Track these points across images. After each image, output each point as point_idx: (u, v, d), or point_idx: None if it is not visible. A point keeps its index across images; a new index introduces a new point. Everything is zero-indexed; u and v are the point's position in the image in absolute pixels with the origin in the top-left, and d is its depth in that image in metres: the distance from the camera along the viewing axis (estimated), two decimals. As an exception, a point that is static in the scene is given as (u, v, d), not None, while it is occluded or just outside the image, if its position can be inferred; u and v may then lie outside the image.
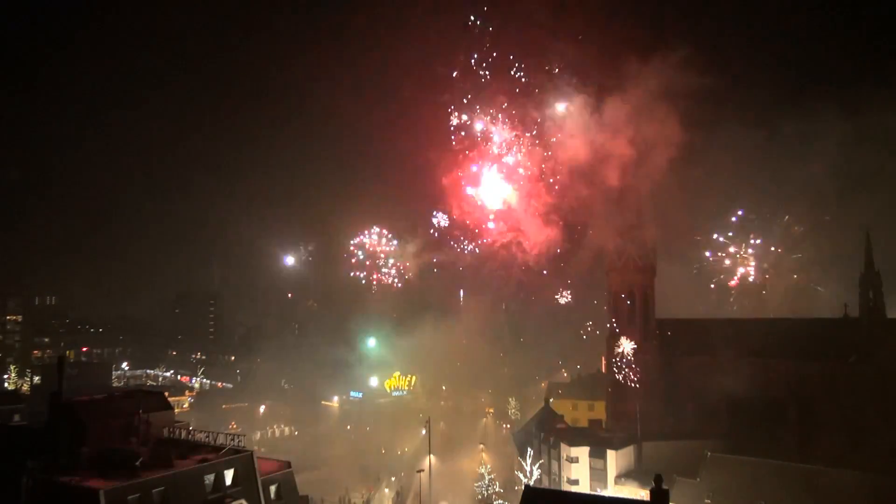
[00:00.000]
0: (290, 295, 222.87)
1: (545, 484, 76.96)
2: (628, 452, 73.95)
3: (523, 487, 58.56)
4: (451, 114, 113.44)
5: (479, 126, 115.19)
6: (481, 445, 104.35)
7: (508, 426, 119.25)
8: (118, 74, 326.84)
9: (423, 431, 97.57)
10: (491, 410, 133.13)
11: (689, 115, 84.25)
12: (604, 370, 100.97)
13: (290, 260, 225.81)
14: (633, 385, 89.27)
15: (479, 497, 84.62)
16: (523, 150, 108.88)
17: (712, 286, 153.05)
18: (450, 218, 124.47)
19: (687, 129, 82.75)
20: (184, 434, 49.48)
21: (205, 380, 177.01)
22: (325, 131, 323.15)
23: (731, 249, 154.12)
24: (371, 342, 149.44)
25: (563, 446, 76.43)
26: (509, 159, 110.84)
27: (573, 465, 74.47)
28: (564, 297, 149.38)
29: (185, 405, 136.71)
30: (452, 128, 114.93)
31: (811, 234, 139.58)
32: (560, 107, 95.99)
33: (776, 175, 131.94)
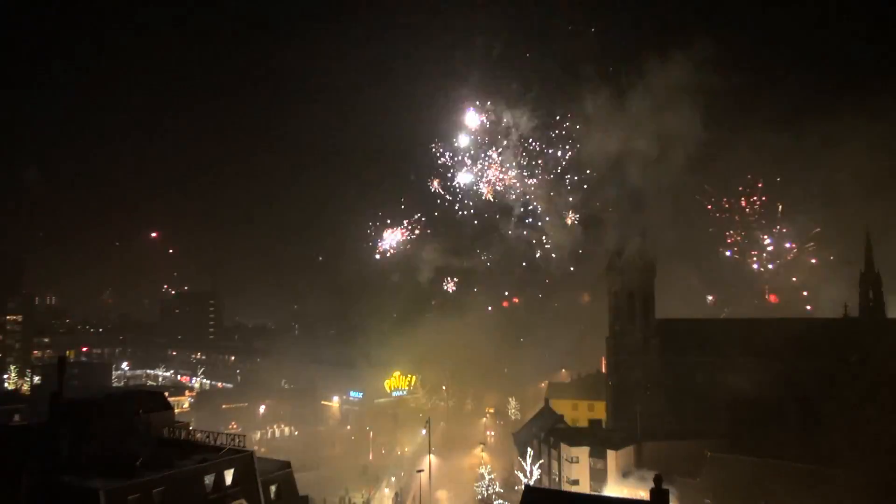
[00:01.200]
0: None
1: (545, 484, 76.93)
2: (628, 452, 73.91)
3: (523, 487, 58.59)
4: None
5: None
6: (481, 445, 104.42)
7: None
8: (117, 74, 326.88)
9: (423, 431, 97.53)
10: (491, 410, 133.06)
11: (706, 114, 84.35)
12: (604, 370, 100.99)
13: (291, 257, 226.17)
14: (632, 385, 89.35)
15: (479, 497, 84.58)
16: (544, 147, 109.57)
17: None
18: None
19: (699, 126, 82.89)
20: (184, 434, 49.48)
21: (205, 380, 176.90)
22: (329, 126, 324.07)
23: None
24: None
25: (563, 446, 76.38)
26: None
27: (573, 465, 74.40)
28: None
29: (185, 405, 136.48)
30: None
31: (817, 235, 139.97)
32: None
33: (786, 175, 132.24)
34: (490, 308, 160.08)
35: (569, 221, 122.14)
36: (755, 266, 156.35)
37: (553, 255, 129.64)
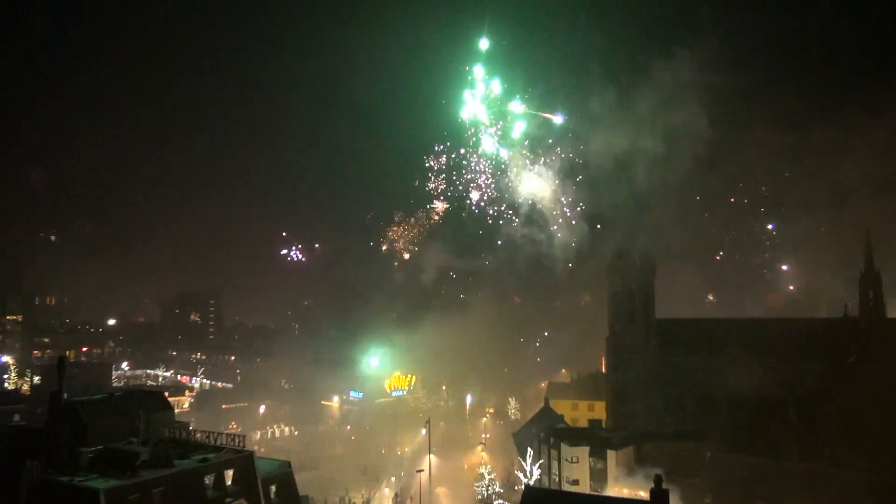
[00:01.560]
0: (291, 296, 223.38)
1: (545, 484, 76.87)
2: (628, 452, 73.85)
3: (523, 487, 58.64)
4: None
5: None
6: (481, 445, 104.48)
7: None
8: (116, 75, 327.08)
9: (423, 431, 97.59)
10: (491, 410, 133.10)
11: (710, 113, 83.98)
12: (604, 370, 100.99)
13: (290, 258, 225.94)
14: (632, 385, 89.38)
15: (479, 497, 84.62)
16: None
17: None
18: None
19: (704, 125, 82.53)
20: (184, 434, 49.46)
21: (205, 380, 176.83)
22: (331, 125, 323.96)
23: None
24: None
25: (563, 446, 76.36)
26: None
27: (573, 465, 74.37)
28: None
29: (185, 405, 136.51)
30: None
31: (818, 234, 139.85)
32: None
33: (789, 175, 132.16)
34: (491, 308, 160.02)
35: (573, 221, 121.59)
36: (755, 264, 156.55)
37: (558, 254, 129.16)
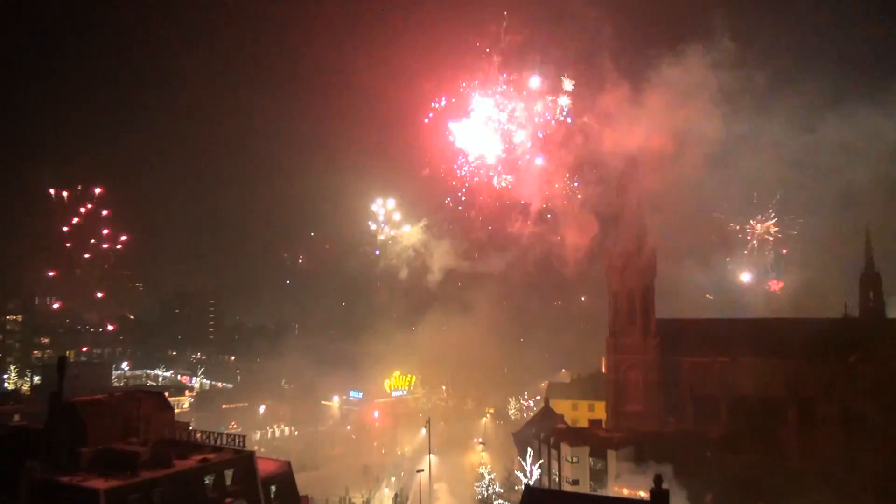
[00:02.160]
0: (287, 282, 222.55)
1: (545, 484, 76.96)
2: (628, 452, 73.91)
3: (523, 487, 58.67)
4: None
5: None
6: (481, 445, 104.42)
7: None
8: (119, 70, 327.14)
9: (423, 431, 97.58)
10: (491, 410, 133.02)
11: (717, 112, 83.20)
12: (604, 370, 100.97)
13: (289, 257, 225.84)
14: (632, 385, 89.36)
15: (479, 497, 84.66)
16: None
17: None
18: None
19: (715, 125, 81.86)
20: (184, 434, 49.48)
21: (205, 380, 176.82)
22: (334, 121, 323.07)
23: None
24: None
25: (563, 446, 76.42)
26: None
27: (573, 465, 74.46)
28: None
29: (185, 405, 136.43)
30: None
31: (816, 234, 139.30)
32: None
33: (792, 174, 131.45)
34: (492, 308, 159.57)
35: (581, 220, 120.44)
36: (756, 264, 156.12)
37: (564, 253, 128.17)
